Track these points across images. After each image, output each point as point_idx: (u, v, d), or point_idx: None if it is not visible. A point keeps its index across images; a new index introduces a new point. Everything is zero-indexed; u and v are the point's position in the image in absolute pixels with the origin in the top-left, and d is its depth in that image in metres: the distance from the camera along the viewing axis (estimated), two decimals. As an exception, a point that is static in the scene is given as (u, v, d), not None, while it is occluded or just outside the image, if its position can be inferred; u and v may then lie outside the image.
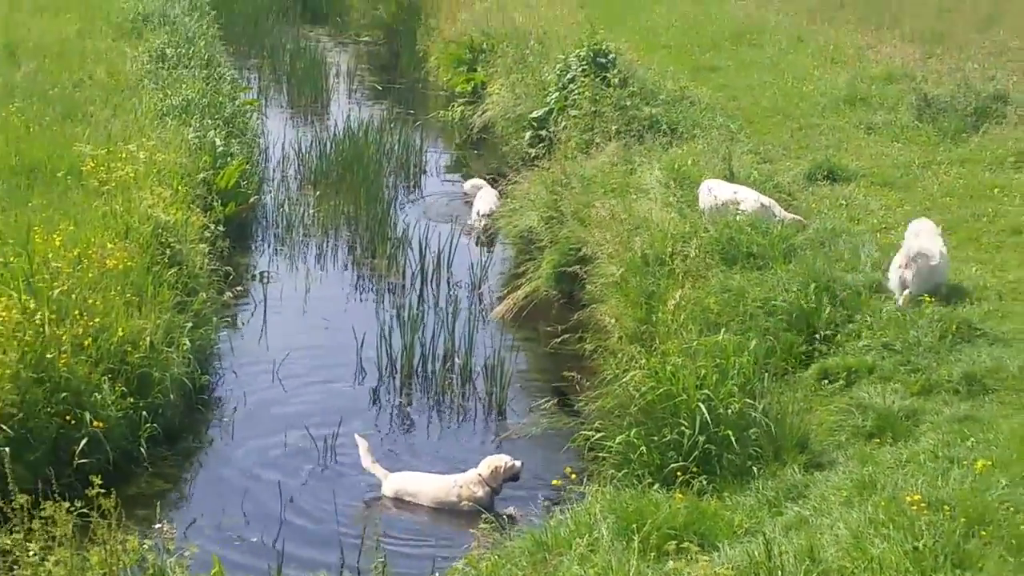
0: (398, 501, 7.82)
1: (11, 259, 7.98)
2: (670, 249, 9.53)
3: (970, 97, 12.77)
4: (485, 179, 13.72)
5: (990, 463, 6.05)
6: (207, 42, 17.07)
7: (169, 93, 13.71)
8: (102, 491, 5.25)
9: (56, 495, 5.22)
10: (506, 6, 17.62)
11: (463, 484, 7.52)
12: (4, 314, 6.94)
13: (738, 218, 9.60)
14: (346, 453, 8.28)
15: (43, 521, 5.05)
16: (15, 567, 5.07)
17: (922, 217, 9.02)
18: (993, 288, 9.09)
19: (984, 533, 5.34)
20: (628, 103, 12.77)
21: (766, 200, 9.94)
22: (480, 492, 7.43)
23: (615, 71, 13.33)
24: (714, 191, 9.90)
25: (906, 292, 8.21)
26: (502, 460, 7.61)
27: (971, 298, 8.77)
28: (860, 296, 8.79)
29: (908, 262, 8.19)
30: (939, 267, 8.26)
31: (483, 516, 6.86)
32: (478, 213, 13.15)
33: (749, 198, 9.80)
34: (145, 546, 5.38)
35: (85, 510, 5.23)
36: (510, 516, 7.30)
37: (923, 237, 8.50)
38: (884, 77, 14.72)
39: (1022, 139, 12.18)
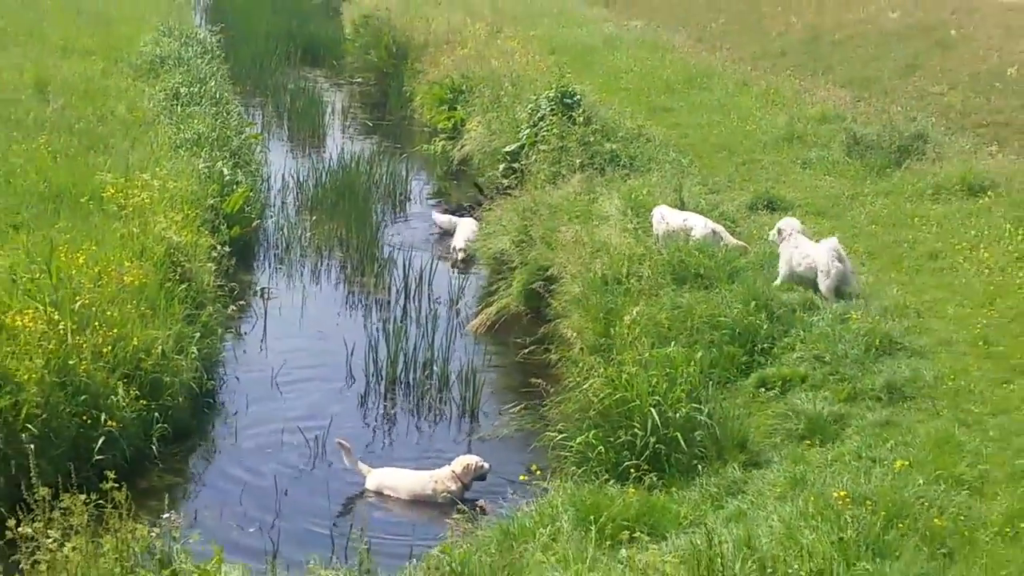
0: (380, 494, 8.25)
1: (37, 275, 8.34)
2: (626, 270, 10.05)
3: (894, 136, 13.54)
4: (462, 207, 14.36)
5: (907, 463, 6.56)
6: (217, 82, 17.90)
7: (182, 128, 14.45)
8: (115, 485, 5.45)
9: (74, 488, 5.42)
10: (484, 53, 18.49)
11: (438, 479, 7.93)
12: (31, 324, 7.31)
13: (690, 242, 10.06)
14: (335, 451, 8.63)
15: (62, 511, 5.20)
16: (36, 552, 5.14)
17: (834, 237, 9.72)
18: (912, 307, 9.68)
19: (901, 525, 5.80)
20: (591, 139, 13.46)
21: (715, 226, 10.42)
22: (453, 487, 7.81)
23: (580, 111, 14.06)
24: (666, 218, 10.35)
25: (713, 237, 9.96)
26: (473, 460, 8.04)
27: (892, 315, 9.28)
28: (795, 313, 9.35)
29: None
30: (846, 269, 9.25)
31: (456, 507, 7.23)
32: (455, 248, 13.52)
33: (699, 224, 10.28)
34: (153, 534, 5.59)
35: (101, 502, 5.44)
36: (481, 508, 7.67)
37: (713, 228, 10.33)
38: (818, 118, 15.58)
39: (939, 174, 12.84)
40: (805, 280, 9.53)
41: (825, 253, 9.12)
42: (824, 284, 9.18)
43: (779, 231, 9.66)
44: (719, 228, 10.39)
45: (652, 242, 10.56)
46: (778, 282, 9.49)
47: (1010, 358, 8.44)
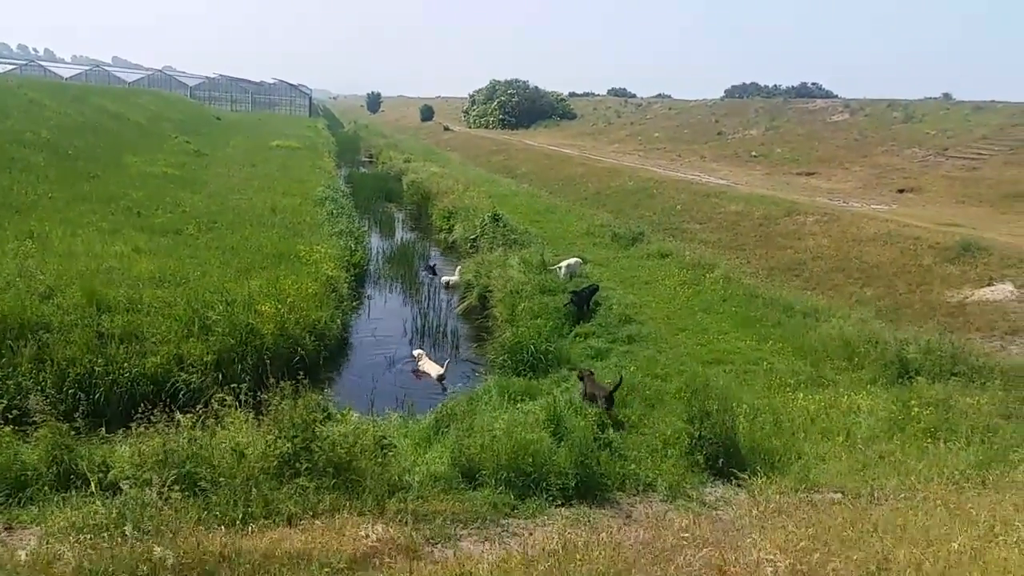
0: (424, 373, 14.02)
1: (267, 290, 14.27)
2: (519, 288, 16.41)
3: (630, 233, 23.81)
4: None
5: (635, 368, 12.61)
6: (348, 208, 28.89)
7: (334, 226, 23.42)
8: (303, 378, 8.92)
9: (284, 379, 8.47)
10: (463, 197, 31.16)
11: (441, 370, 13.88)
12: (268, 309, 13.12)
13: (561, 268, 17.37)
14: (401, 361, 14.73)
15: (279, 389, 8.26)
16: (269, 407, 8.14)
17: (576, 257, 18.27)
18: (637, 303, 16.54)
19: (631, 394, 11.51)
20: (505, 233, 21.24)
21: (572, 261, 17.88)
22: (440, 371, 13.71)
23: (502, 222, 23.06)
24: (561, 262, 17.92)
25: (565, 274, 17.07)
26: (440, 364, 13.95)
27: (629, 307, 15.92)
28: (599, 305, 16.01)
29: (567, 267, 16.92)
30: (574, 267, 17.29)
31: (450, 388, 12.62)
32: (445, 282, 20.99)
33: (570, 260, 17.84)
34: (320, 399, 8.79)
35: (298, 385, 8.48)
36: (460, 387, 12.53)
37: (572, 262, 17.50)
38: (599, 225, 27.38)
39: (649, 248, 22.24)
40: (566, 273, 17.63)
41: (569, 264, 17.41)
42: (563, 274, 17.11)
43: (562, 265, 17.54)
44: (573, 261, 17.98)
45: (533, 275, 17.19)
46: (562, 277, 17.23)
47: (678, 325, 15.69)
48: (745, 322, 16.03)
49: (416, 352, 14.65)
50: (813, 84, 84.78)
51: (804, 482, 8.57)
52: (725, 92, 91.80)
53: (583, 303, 15.96)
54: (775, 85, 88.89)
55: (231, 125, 63.70)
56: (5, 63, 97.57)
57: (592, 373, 11.65)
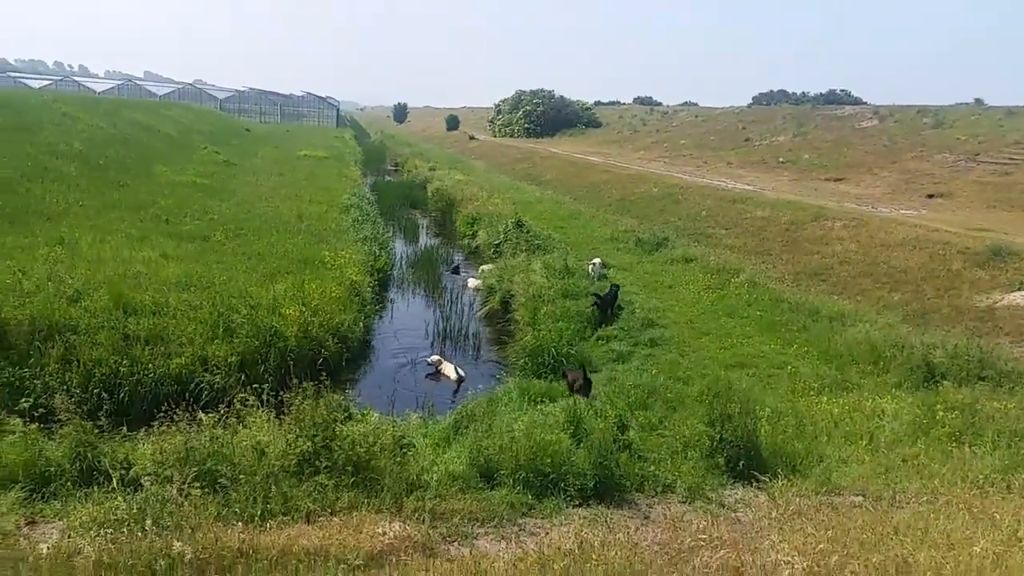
0: (444, 376, 14.00)
1: (295, 293, 14.58)
2: (541, 292, 16.39)
3: (655, 238, 23.53)
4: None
5: (656, 371, 12.69)
6: (373, 215, 29.50)
7: (359, 232, 23.92)
8: (326, 379, 9.03)
9: (308, 379, 8.61)
10: (487, 203, 31.69)
11: (458, 371, 13.83)
12: (292, 312, 13.38)
13: (590, 267, 17.83)
14: (420, 362, 14.68)
15: (302, 389, 8.36)
16: (291, 407, 8.22)
17: (598, 258, 18.60)
18: (660, 307, 16.35)
19: (652, 397, 11.45)
20: (529, 239, 21.25)
21: (598, 260, 18.25)
22: (459, 374, 13.69)
23: (525, 228, 23.11)
24: (592, 261, 18.29)
25: (593, 273, 17.44)
26: (454, 364, 13.87)
27: (652, 311, 15.85)
28: (621, 309, 15.97)
29: (594, 266, 17.07)
30: (599, 268, 17.72)
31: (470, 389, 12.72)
32: (469, 285, 21.04)
33: (595, 261, 18.19)
34: (342, 399, 9.09)
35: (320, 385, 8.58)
36: (481, 388, 12.34)
37: (597, 263, 17.85)
38: (624, 231, 27.59)
39: (673, 253, 21.90)
40: (597, 271, 18.14)
41: (595, 263, 17.73)
42: (594, 272, 17.50)
43: (592, 263, 17.95)
44: (597, 262, 18.29)
45: (557, 280, 17.26)
46: (592, 274, 17.87)
47: (701, 329, 15.62)
48: (770, 326, 15.89)
49: (433, 359, 14.66)
50: (842, 91, 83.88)
51: (825, 485, 8.47)
52: (752, 99, 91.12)
53: (607, 306, 16.08)
54: (803, 92, 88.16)
55: (260, 136, 64.50)
56: (42, 79, 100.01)
57: (578, 369, 12.02)
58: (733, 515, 8.12)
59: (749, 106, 76.38)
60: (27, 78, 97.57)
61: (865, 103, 65.29)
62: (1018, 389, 11.46)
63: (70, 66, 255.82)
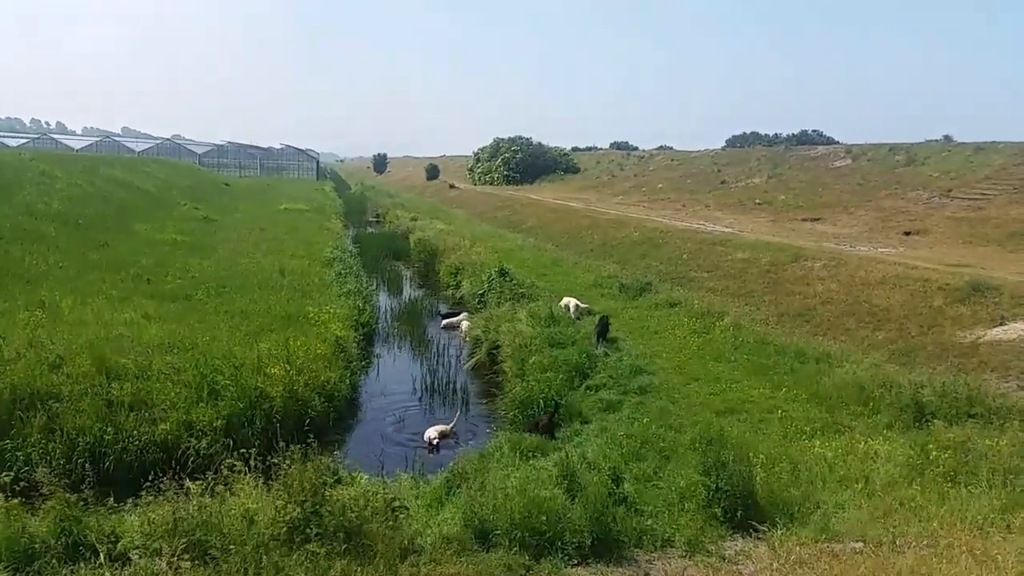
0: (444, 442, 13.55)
1: (279, 350, 14.36)
2: (528, 342, 16.35)
3: (637, 283, 23.47)
4: (448, 313, 22.24)
5: (648, 420, 12.35)
6: (355, 268, 29.42)
7: (342, 286, 23.79)
8: (312, 440, 8.57)
9: (294, 442, 8.24)
10: (469, 252, 29.99)
11: (447, 429, 13.68)
12: (277, 371, 13.27)
13: (570, 307, 18.00)
14: (410, 420, 14.60)
15: (289, 452, 8.00)
16: (278, 470, 7.90)
17: (572, 298, 19.07)
18: (647, 353, 16.34)
19: (646, 446, 10.96)
20: (512, 287, 21.41)
21: (575, 301, 18.59)
22: (446, 433, 13.35)
23: (508, 276, 23.26)
24: (564, 301, 18.51)
25: (571, 311, 17.76)
26: (446, 425, 13.70)
27: (639, 357, 15.86)
28: (605, 356, 15.89)
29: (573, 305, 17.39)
30: (576, 307, 18.20)
31: (462, 445, 12.81)
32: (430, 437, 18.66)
33: (571, 301, 18.39)
34: (331, 461, 8.69)
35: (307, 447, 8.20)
36: (469, 444, 12.76)
37: (571, 301, 18.38)
38: (607, 276, 27.65)
39: (657, 298, 21.91)
40: (570, 312, 18.54)
41: (569, 303, 18.18)
42: (573, 313, 17.83)
43: (565, 305, 18.41)
44: (572, 302, 18.67)
45: (542, 328, 17.25)
46: (571, 314, 18.06)
47: (690, 375, 15.62)
48: (757, 370, 15.85)
49: (429, 436, 14.04)
50: (814, 131, 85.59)
51: (824, 532, 8.39)
52: (726, 142, 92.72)
53: (600, 336, 17.22)
54: (776, 133, 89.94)
55: (240, 191, 64.54)
56: (19, 136, 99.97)
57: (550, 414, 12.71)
58: (735, 568, 7.99)
59: (723, 148, 77.63)
60: (4, 136, 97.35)
61: (838, 142, 66.54)
62: (1008, 425, 11.46)
63: (47, 123, 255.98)
